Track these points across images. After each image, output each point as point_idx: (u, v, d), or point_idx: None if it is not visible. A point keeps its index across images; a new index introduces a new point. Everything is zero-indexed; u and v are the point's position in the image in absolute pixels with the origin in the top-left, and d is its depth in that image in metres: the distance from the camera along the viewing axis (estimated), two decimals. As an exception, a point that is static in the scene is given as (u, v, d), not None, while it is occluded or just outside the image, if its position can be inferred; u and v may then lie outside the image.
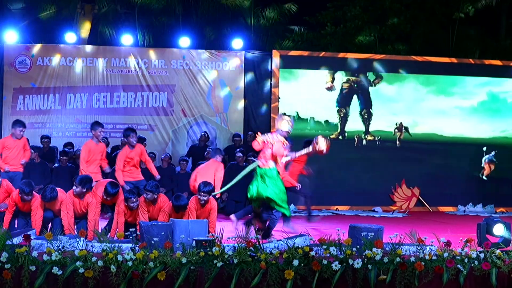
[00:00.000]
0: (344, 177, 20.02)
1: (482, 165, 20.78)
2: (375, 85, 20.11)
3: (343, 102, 19.90)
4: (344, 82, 19.90)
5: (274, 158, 12.28)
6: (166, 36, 21.82)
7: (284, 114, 14.00)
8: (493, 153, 20.77)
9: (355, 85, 19.84)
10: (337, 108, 20.01)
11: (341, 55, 20.60)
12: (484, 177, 20.75)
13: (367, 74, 20.26)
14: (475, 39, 26.78)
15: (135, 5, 22.14)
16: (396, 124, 20.34)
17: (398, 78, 20.61)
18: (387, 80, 20.51)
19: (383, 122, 20.36)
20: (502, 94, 21.17)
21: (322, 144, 12.34)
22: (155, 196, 12.11)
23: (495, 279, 9.90)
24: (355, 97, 19.98)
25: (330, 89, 19.87)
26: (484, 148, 20.84)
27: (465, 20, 26.14)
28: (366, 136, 20.12)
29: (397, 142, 20.28)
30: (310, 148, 12.49)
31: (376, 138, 20.13)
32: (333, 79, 19.91)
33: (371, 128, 20.23)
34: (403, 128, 20.35)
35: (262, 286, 9.40)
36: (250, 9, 23.14)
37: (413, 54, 21.46)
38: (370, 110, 19.97)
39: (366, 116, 19.86)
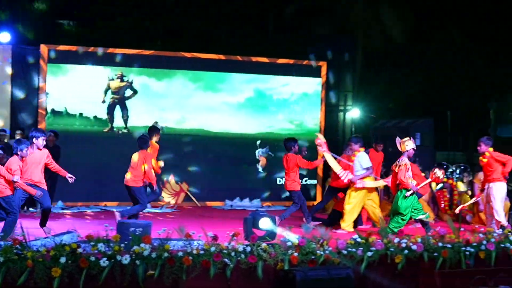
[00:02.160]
0: (112, 173, 19.92)
1: (257, 158, 21.39)
2: (129, 99, 20.23)
3: (110, 111, 19.99)
4: (111, 98, 20.01)
5: None
6: None
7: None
8: (267, 147, 21.41)
9: (116, 100, 20.01)
10: (107, 114, 20.03)
11: (110, 50, 20.45)
12: (261, 169, 21.36)
13: (132, 82, 20.31)
14: (243, 36, 27.46)
15: None
16: (157, 123, 20.52)
17: (166, 74, 20.76)
18: (156, 76, 20.62)
19: (151, 117, 20.46)
20: (268, 90, 21.82)
21: (439, 174, 14.55)
22: None
23: (261, 272, 10.25)
24: (117, 107, 20.03)
25: (103, 102, 19.89)
26: (258, 142, 21.43)
27: (235, 18, 26.76)
28: (123, 130, 20.19)
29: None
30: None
31: (129, 131, 20.25)
32: (106, 95, 19.99)
33: (136, 124, 20.24)
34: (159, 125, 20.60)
35: (29, 285, 9.24)
36: (18, 2, 22.53)
37: (182, 50, 21.67)
38: (128, 114, 20.12)
39: (125, 118, 20.01)
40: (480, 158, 15.33)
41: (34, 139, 13.40)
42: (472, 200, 16.69)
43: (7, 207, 12.33)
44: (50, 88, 19.54)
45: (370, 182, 15.61)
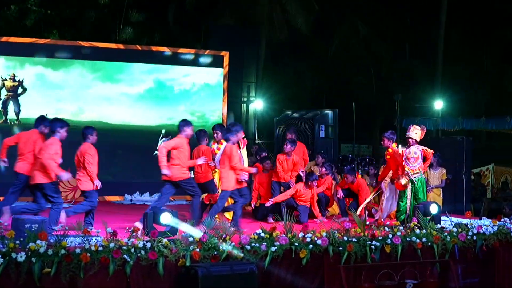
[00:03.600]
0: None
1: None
2: (21, 95, 20.01)
3: (4, 106, 19.90)
4: (5, 95, 19.87)
5: None
6: None
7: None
8: (170, 137, 21.35)
9: (10, 97, 19.86)
10: (1, 108, 19.89)
11: (4, 39, 20.09)
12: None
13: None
14: (144, 26, 27.29)
15: None
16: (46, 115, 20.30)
17: (63, 64, 20.49)
18: (52, 66, 20.33)
19: (47, 109, 20.15)
20: (169, 81, 21.77)
21: (403, 181, 14.60)
22: None
23: (162, 268, 10.22)
24: (11, 102, 19.80)
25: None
26: (163, 131, 21.33)
27: (135, 6, 26.56)
28: (15, 122, 19.93)
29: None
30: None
31: (20, 123, 20.00)
32: (0, 93, 19.83)
33: (31, 115, 19.90)
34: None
35: None
36: None
37: (80, 40, 21.42)
38: (19, 108, 20.02)
39: (16, 112, 20.05)
40: (386, 153, 15.57)
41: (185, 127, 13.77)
42: (374, 194, 16.92)
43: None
44: None
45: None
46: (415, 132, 14.67)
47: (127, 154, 20.96)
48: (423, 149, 14.69)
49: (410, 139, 14.67)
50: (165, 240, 10.53)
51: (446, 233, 12.78)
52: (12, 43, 20.00)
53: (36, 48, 20.20)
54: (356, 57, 37.09)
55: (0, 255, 9.33)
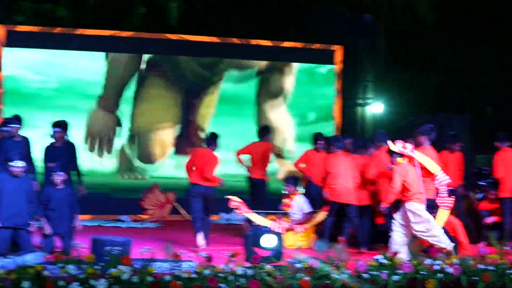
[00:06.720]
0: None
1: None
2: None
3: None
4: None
5: None
6: None
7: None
8: None
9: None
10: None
11: (79, 31, 20.39)
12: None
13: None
14: (243, 15, 27.34)
15: None
16: None
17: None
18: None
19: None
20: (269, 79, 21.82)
21: None
22: None
23: (264, 299, 10.21)
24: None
25: None
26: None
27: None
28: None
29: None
30: None
31: None
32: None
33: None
34: None
35: (-14, 314, 9.22)
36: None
37: (167, 32, 21.59)
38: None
39: None
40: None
41: None
42: None
43: None
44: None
45: None
46: None
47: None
48: None
49: None
50: (268, 267, 10.49)
51: None
52: (87, 36, 20.34)
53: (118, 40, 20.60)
54: (493, 44, 36.27)
55: (78, 282, 9.40)
